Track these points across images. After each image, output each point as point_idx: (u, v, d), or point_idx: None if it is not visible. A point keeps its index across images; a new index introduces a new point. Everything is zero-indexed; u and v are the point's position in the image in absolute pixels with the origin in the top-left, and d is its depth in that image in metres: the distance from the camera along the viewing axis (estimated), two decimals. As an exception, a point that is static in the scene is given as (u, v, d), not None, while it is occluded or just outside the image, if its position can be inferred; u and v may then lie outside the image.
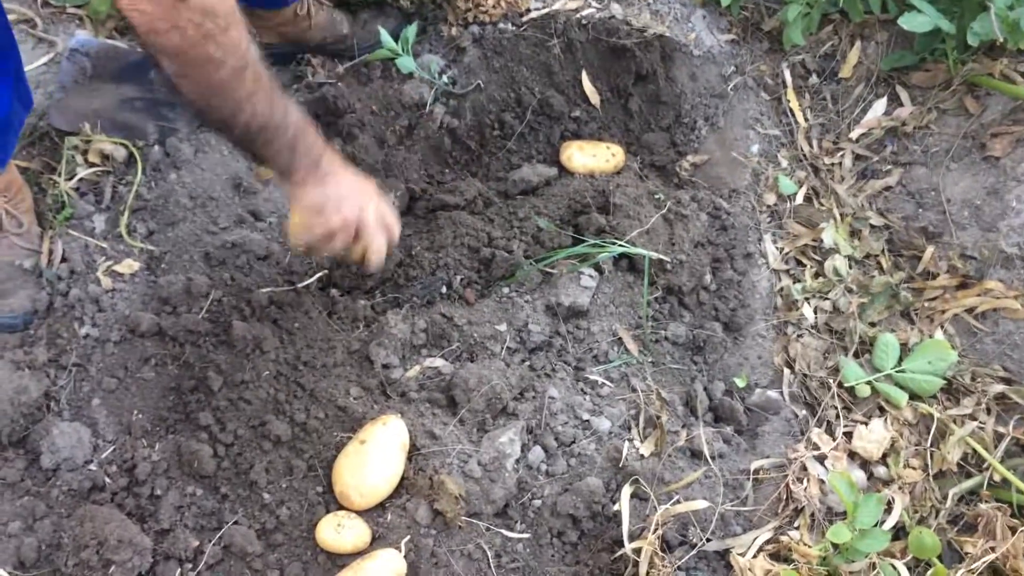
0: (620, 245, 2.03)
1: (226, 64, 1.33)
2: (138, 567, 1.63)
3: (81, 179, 2.10)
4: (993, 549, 1.68)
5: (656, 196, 2.20)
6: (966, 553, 1.72)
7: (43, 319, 1.92)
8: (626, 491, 1.75)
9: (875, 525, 1.67)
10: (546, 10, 2.43)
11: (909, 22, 2.17)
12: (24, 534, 1.68)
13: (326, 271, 2.04)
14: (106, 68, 2.23)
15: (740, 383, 2.06)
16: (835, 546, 1.69)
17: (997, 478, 1.82)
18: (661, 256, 2.07)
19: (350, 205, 1.66)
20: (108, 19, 2.40)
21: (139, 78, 2.23)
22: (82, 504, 1.71)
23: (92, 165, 2.12)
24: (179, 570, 1.66)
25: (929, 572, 1.65)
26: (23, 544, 1.66)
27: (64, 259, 1.99)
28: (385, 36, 2.32)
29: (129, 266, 1.99)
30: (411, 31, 2.36)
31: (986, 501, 1.80)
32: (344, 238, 1.68)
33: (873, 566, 1.69)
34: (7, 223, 1.95)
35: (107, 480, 1.75)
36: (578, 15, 2.42)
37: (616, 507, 1.74)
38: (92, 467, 1.77)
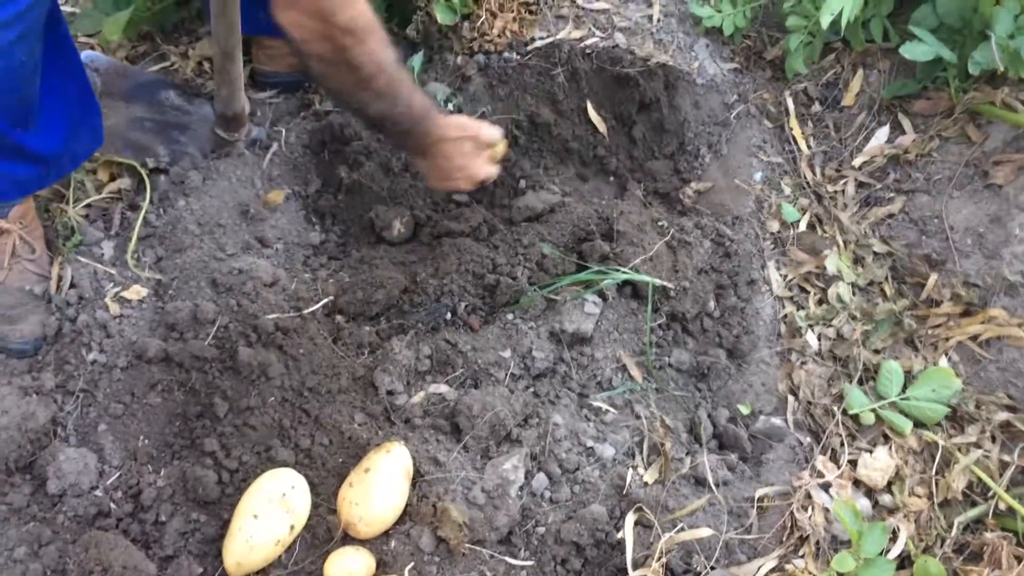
0: (623, 272, 2.04)
1: (362, 69, 1.65)
2: (142, 593, 1.63)
3: (90, 205, 2.13)
4: (998, 578, 1.68)
5: (659, 223, 2.21)
6: (971, 582, 1.72)
7: (51, 345, 1.94)
8: (630, 518, 1.75)
9: (880, 554, 1.67)
10: (550, 39, 2.46)
11: (911, 51, 2.19)
12: (30, 560, 1.68)
13: (331, 298, 2.05)
14: (115, 86, 2.26)
15: (744, 410, 2.06)
16: (840, 575, 1.68)
17: (1003, 507, 1.82)
18: (664, 283, 2.08)
19: (449, 175, 2.00)
20: (119, 48, 2.44)
21: (149, 99, 2.26)
22: (87, 530, 1.72)
23: (102, 190, 2.14)
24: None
25: (934, 601, 1.65)
26: (28, 570, 1.67)
27: (73, 285, 2.01)
28: (392, 65, 2.34)
29: (137, 292, 2.01)
30: (417, 60, 2.39)
31: (992, 530, 1.79)
32: (456, 185, 2.03)
33: (878, 595, 1.68)
34: (21, 249, 1.98)
35: (112, 506, 1.76)
36: (582, 44, 2.45)
37: (620, 535, 1.74)
38: (98, 493, 1.78)
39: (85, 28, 2.44)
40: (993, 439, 1.92)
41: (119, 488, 1.79)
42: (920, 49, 2.19)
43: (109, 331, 1.94)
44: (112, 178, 2.19)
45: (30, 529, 1.72)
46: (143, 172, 2.16)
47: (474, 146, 1.97)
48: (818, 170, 2.43)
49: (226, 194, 2.19)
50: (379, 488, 1.69)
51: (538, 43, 2.45)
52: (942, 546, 1.80)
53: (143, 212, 2.11)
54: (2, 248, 1.96)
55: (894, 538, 1.78)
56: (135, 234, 2.08)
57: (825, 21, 2.14)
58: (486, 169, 2.02)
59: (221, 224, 2.13)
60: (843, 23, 2.15)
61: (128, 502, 1.77)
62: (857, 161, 2.40)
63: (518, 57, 2.41)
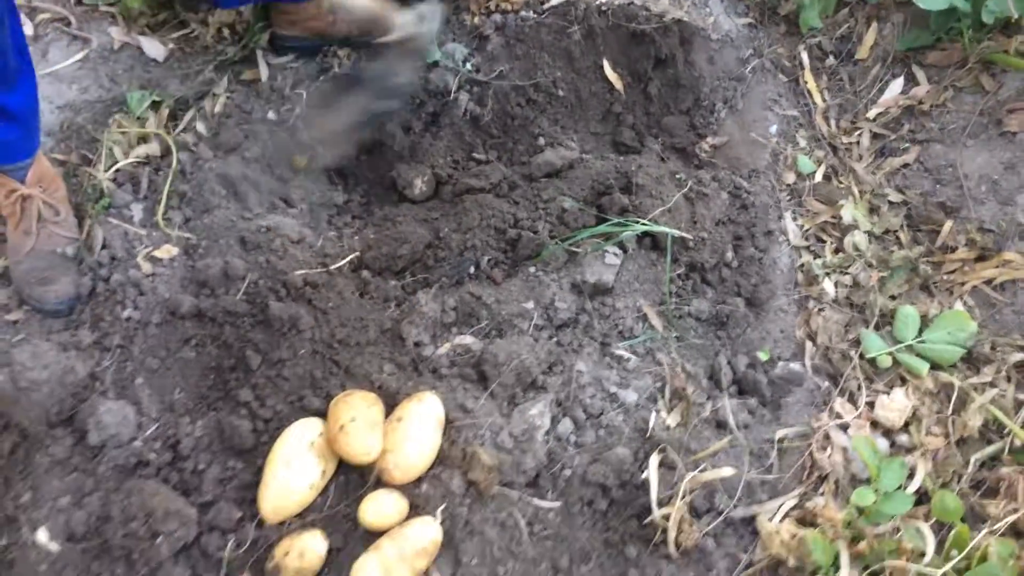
0: (643, 223, 2.07)
1: None
2: (184, 538, 1.68)
3: (119, 170, 2.17)
4: (1015, 510, 1.72)
5: (677, 176, 2.24)
6: (988, 515, 1.75)
7: (86, 303, 1.99)
8: (654, 459, 1.79)
9: (898, 488, 1.70)
10: (566, -3, 2.48)
11: (925, 1, 2.21)
12: (73, 508, 1.74)
13: (357, 253, 2.09)
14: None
15: (763, 356, 2.09)
16: (860, 510, 1.72)
17: (1018, 443, 1.85)
18: (683, 234, 2.11)
19: None
20: (139, 16, 2.46)
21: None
22: (129, 479, 1.77)
23: (129, 154, 2.18)
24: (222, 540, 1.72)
25: (952, 533, 1.69)
26: (72, 518, 1.72)
27: (104, 246, 2.06)
28: (410, 26, 2.36)
29: (168, 251, 2.05)
30: (436, 21, 2.41)
31: (1007, 465, 1.83)
32: None
33: (897, 529, 1.72)
34: (45, 212, 2.02)
35: (152, 456, 1.81)
36: (598, 2, 2.47)
37: (644, 475, 1.78)
38: (137, 444, 1.83)
39: (107, -3, 2.47)
40: (1008, 379, 1.95)
41: (158, 439, 1.84)
42: (934, -1, 2.21)
43: (142, 289, 1.99)
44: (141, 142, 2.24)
45: (73, 479, 1.78)
46: (169, 139, 2.20)
47: None
48: (833, 122, 2.45)
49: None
50: (413, 437, 1.73)
51: (554, 1, 2.46)
52: (959, 482, 1.84)
53: (172, 172, 2.14)
54: (28, 213, 2.00)
55: (912, 476, 1.82)
56: (164, 195, 2.12)
57: (839, -27, 2.15)
58: None
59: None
60: (857, -25, 2.17)
61: (167, 452, 1.82)
62: (872, 113, 2.43)
63: (535, 16, 2.43)
